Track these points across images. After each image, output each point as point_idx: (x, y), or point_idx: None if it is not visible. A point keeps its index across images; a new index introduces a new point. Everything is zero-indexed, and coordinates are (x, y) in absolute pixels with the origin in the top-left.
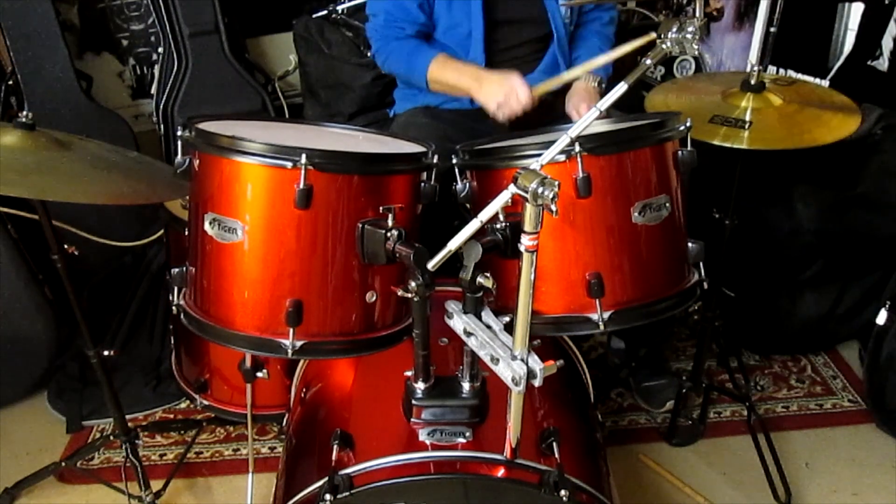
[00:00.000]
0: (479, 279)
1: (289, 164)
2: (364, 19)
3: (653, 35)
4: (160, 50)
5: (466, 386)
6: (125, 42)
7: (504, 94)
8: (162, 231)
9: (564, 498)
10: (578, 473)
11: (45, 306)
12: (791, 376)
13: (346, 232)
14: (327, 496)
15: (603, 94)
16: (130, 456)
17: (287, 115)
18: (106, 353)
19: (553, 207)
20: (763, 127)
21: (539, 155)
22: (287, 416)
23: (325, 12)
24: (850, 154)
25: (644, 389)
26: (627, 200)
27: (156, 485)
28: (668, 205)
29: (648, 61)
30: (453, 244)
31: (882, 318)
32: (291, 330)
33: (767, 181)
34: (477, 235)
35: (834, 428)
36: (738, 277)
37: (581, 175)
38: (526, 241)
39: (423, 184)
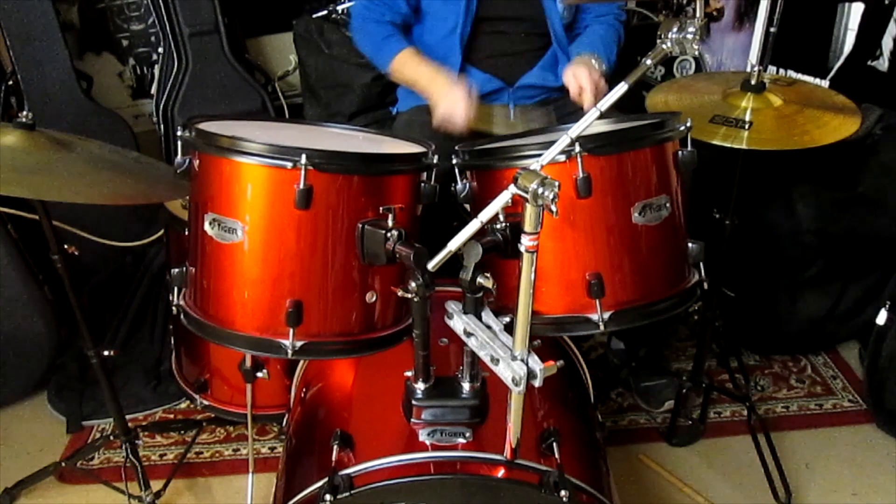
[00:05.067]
0: (479, 279)
1: (289, 165)
2: None
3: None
4: (160, 50)
5: (466, 386)
6: (125, 42)
7: (444, 109)
8: (162, 231)
9: (564, 498)
10: (578, 474)
11: (45, 306)
12: (791, 376)
13: (346, 232)
14: (327, 496)
15: (604, 76)
16: (130, 456)
17: (287, 115)
18: (106, 353)
19: (553, 208)
20: (763, 127)
21: (539, 155)
22: (287, 416)
23: (325, 12)
24: (850, 154)
25: (644, 389)
26: (627, 200)
27: (156, 485)
28: (668, 205)
29: (648, 61)
30: (453, 244)
31: (882, 318)
32: (291, 330)
33: (767, 181)
34: (477, 236)
35: (834, 428)
36: (738, 277)
37: (581, 175)
38: (526, 242)
39: (423, 184)
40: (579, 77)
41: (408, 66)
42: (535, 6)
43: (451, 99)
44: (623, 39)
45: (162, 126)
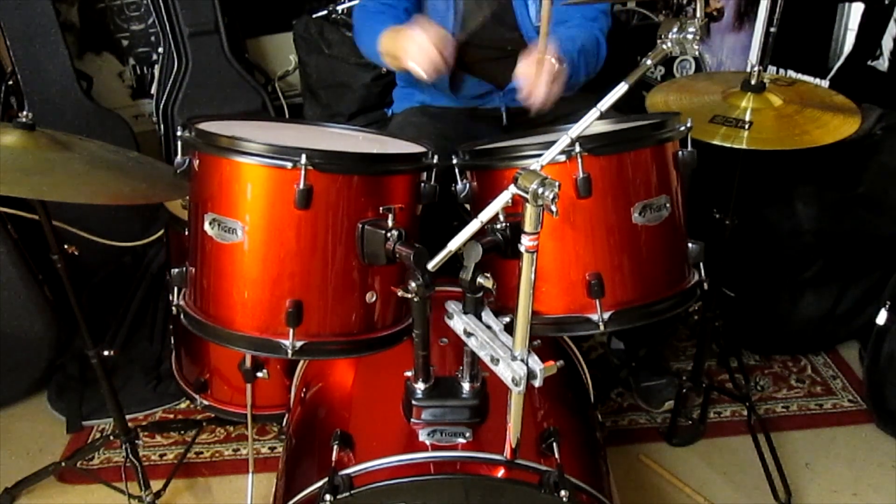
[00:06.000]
0: (479, 279)
1: (289, 165)
2: None
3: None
4: (160, 50)
5: (466, 386)
6: (125, 42)
7: (404, 49)
8: (162, 231)
9: (564, 498)
10: (578, 474)
11: (45, 306)
12: (791, 376)
13: (346, 232)
14: (327, 496)
15: (561, 75)
16: (130, 456)
17: (287, 115)
18: (106, 353)
19: (553, 208)
20: (763, 127)
21: (539, 155)
22: (287, 416)
23: (325, 12)
24: (850, 154)
25: (644, 389)
26: (627, 201)
27: (156, 485)
28: (668, 205)
29: (648, 61)
30: (453, 244)
31: (882, 318)
32: (291, 330)
33: (767, 181)
34: (477, 236)
35: (834, 428)
36: (738, 277)
37: (581, 175)
38: (526, 242)
39: (423, 184)
40: (520, 72)
41: (387, 39)
42: (507, 11)
43: (407, 37)
44: (604, 56)
45: (162, 126)
